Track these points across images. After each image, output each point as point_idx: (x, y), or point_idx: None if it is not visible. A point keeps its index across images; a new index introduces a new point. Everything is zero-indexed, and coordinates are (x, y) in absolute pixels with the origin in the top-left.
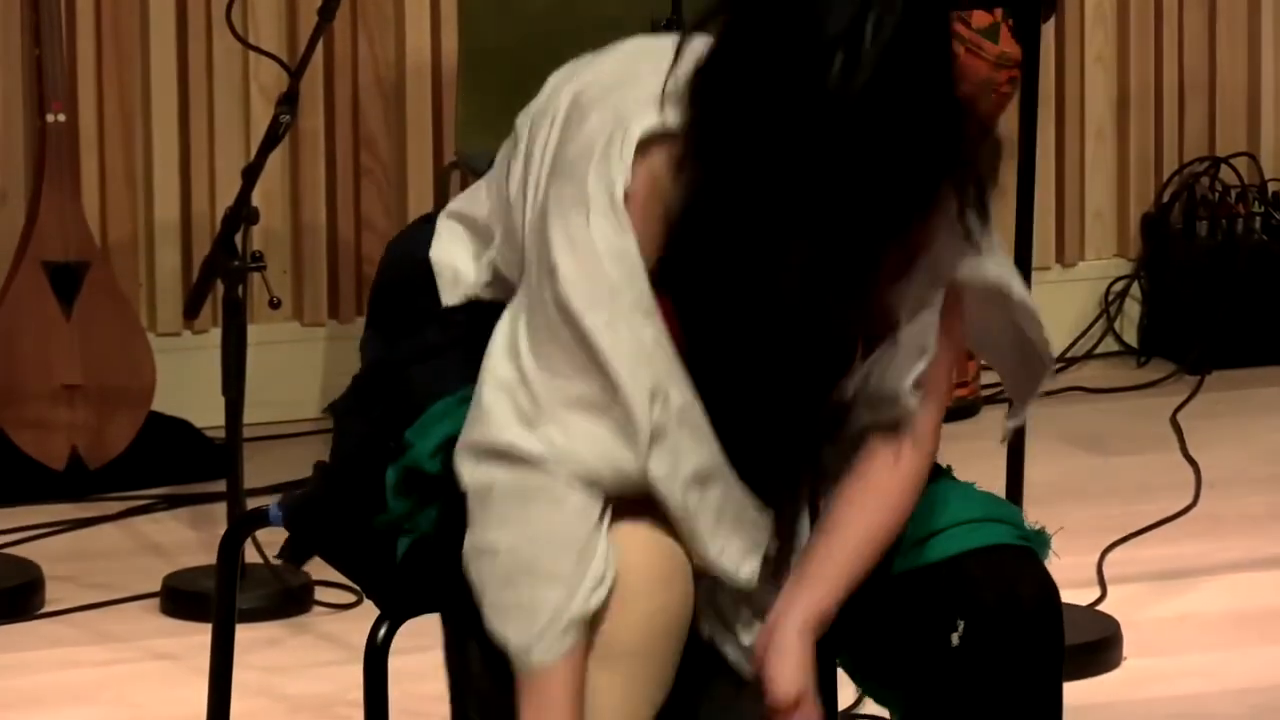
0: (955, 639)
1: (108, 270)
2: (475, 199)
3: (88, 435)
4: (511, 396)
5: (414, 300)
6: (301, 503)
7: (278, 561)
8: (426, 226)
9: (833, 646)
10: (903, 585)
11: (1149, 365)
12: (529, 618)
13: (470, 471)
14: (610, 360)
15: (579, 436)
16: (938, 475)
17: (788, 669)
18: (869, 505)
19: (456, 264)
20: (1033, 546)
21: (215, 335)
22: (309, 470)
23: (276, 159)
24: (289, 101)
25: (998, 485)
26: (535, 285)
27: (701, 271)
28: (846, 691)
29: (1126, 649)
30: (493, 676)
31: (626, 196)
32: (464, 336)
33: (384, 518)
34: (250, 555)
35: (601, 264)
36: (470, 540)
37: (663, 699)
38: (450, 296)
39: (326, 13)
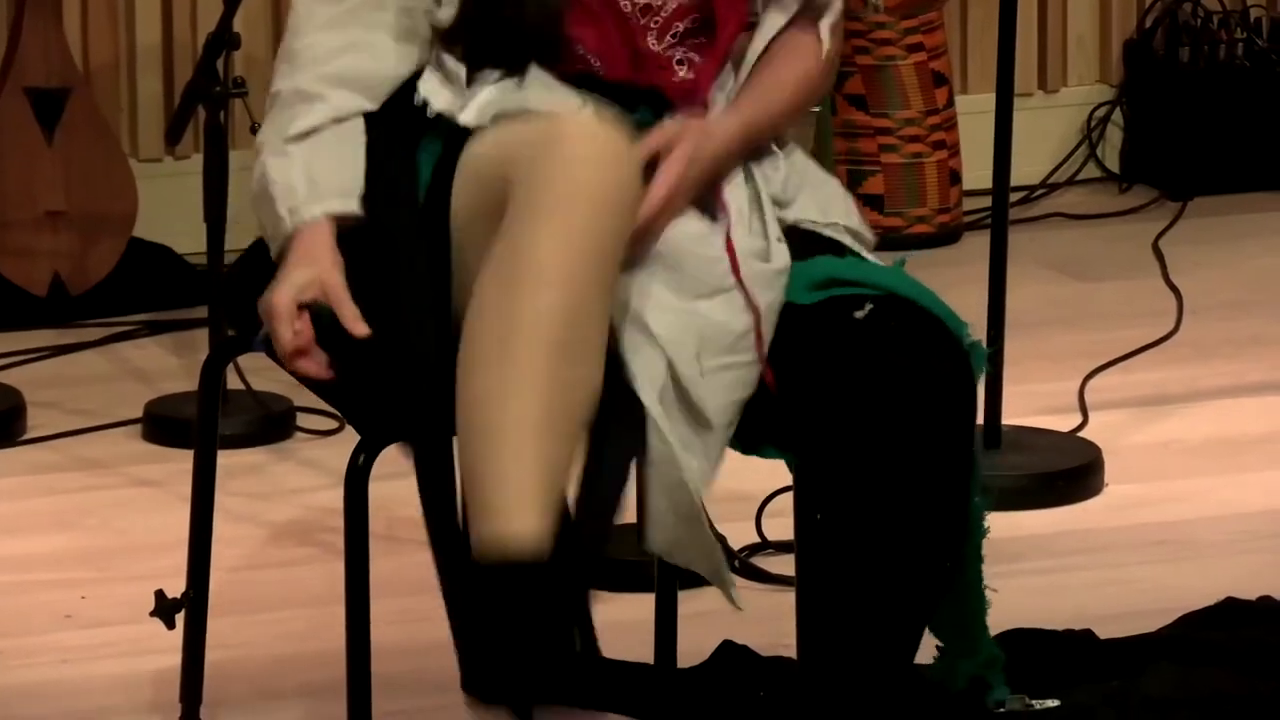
0: (859, 315)
1: (90, 96)
2: None
3: (70, 261)
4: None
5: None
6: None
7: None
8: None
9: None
10: (819, 343)
11: (1131, 191)
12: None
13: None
14: None
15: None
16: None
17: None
18: (788, 59)
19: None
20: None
21: (197, 161)
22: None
23: None
24: None
25: (979, 310)
26: None
27: None
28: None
29: (1108, 475)
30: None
31: None
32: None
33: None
34: (232, 381)
35: None
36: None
37: (608, 289)
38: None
39: None
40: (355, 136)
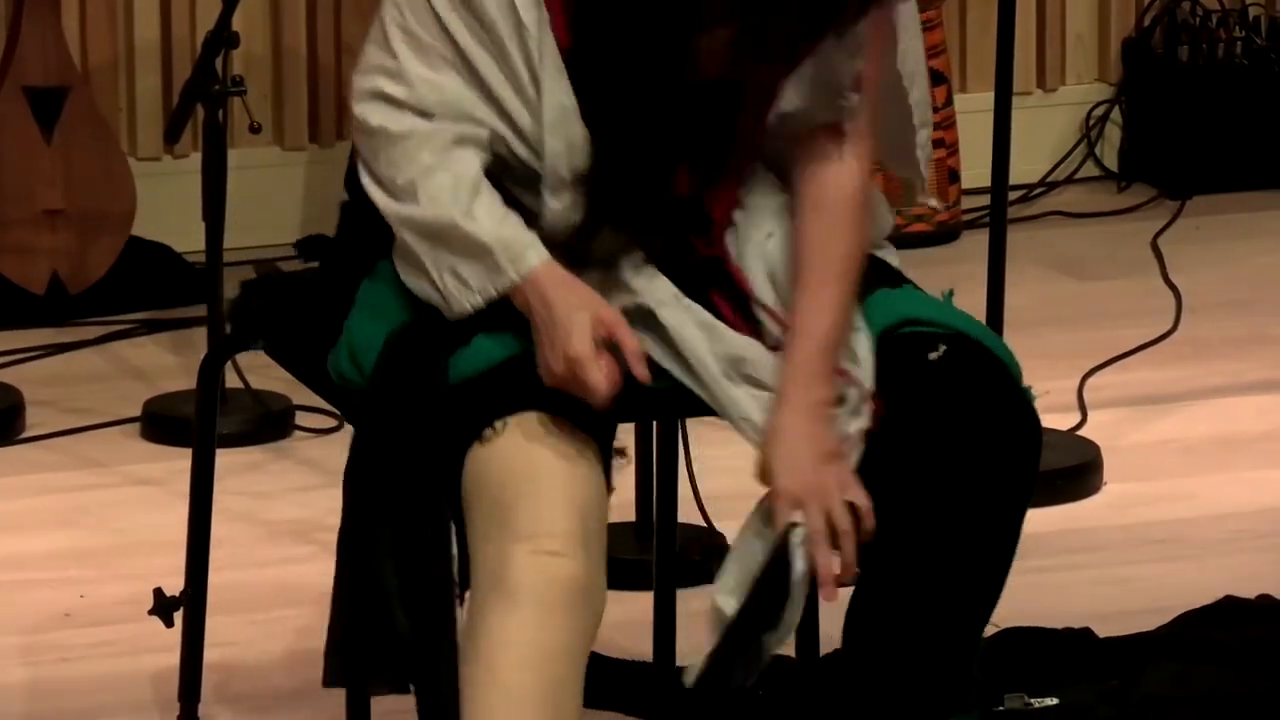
0: (934, 357)
1: (88, 95)
2: None
3: (68, 260)
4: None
5: None
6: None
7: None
8: None
9: None
10: (888, 386)
11: (1130, 190)
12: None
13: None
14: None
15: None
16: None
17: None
18: (828, 217)
19: None
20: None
21: (196, 160)
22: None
23: None
24: None
25: (978, 309)
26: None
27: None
28: None
29: (1107, 474)
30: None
31: None
32: None
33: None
34: (230, 380)
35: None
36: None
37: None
38: None
39: None
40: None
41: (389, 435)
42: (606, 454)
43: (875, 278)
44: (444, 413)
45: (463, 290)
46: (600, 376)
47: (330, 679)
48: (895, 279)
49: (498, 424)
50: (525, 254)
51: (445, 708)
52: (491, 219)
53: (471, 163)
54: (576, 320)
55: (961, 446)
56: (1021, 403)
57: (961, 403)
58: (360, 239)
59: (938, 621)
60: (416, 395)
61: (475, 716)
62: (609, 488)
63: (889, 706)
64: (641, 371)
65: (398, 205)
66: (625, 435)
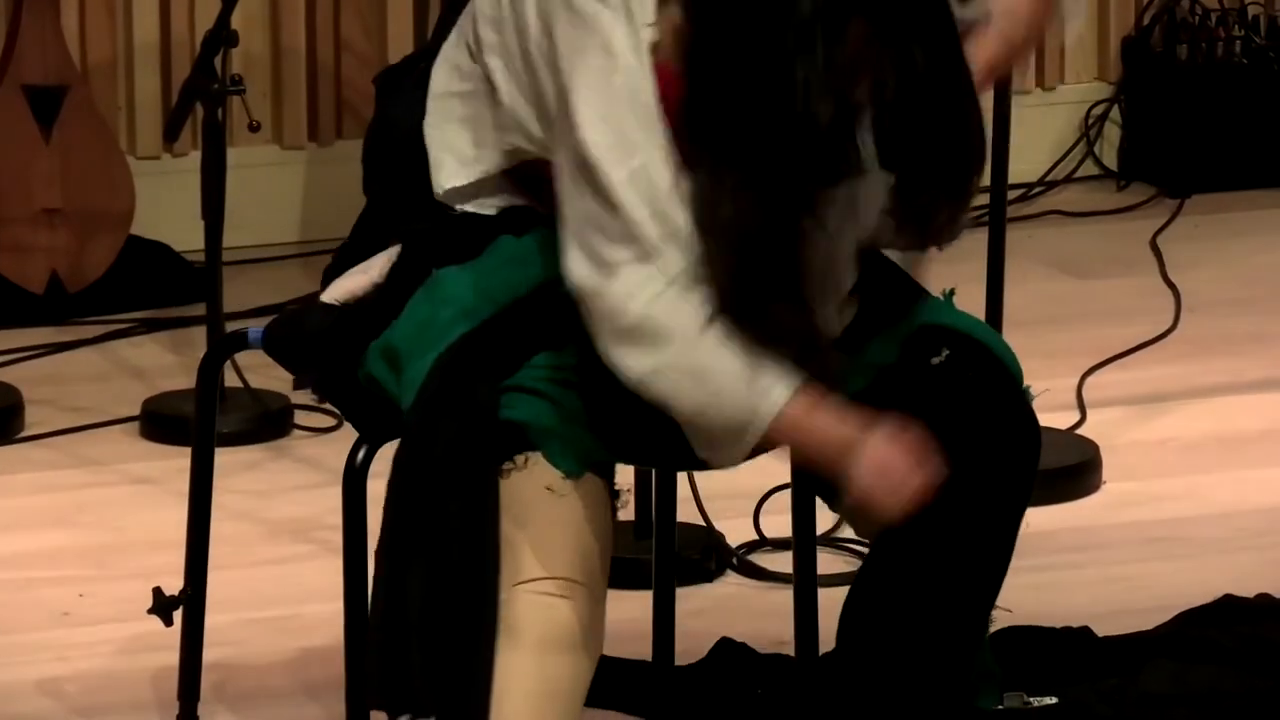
0: (936, 361)
1: (87, 94)
2: (455, 73)
3: (67, 259)
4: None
5: (407, 174)
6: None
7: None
8: (417, 93)
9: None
10: (889, 390)
11: (1129, 189)
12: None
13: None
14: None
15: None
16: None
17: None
18: None
19: (451, 150)
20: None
21: (195, 159)
22: (287, 294)
23: None
24: None
25: (977, 308)
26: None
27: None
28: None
29: (1106, 473)
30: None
31: (652, 45)
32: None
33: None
34: (230, 379)
35: (626, 113)
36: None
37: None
38: (447, 179)
39: None
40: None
41: (436, 455)
42: (611, 490)
43: (899, 286)
44: (488, 438)
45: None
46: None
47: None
48: (915, 287)
49: (517, 459)
50: (773, 389)
51: None
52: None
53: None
54: (871, 455)
55: (962, 448)
56: (1022, 405)
57: (963, 406)
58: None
59: (935, 620)
60: (466, 418)
61: None
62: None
63: (884, 707)
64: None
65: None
66: (624, 473)
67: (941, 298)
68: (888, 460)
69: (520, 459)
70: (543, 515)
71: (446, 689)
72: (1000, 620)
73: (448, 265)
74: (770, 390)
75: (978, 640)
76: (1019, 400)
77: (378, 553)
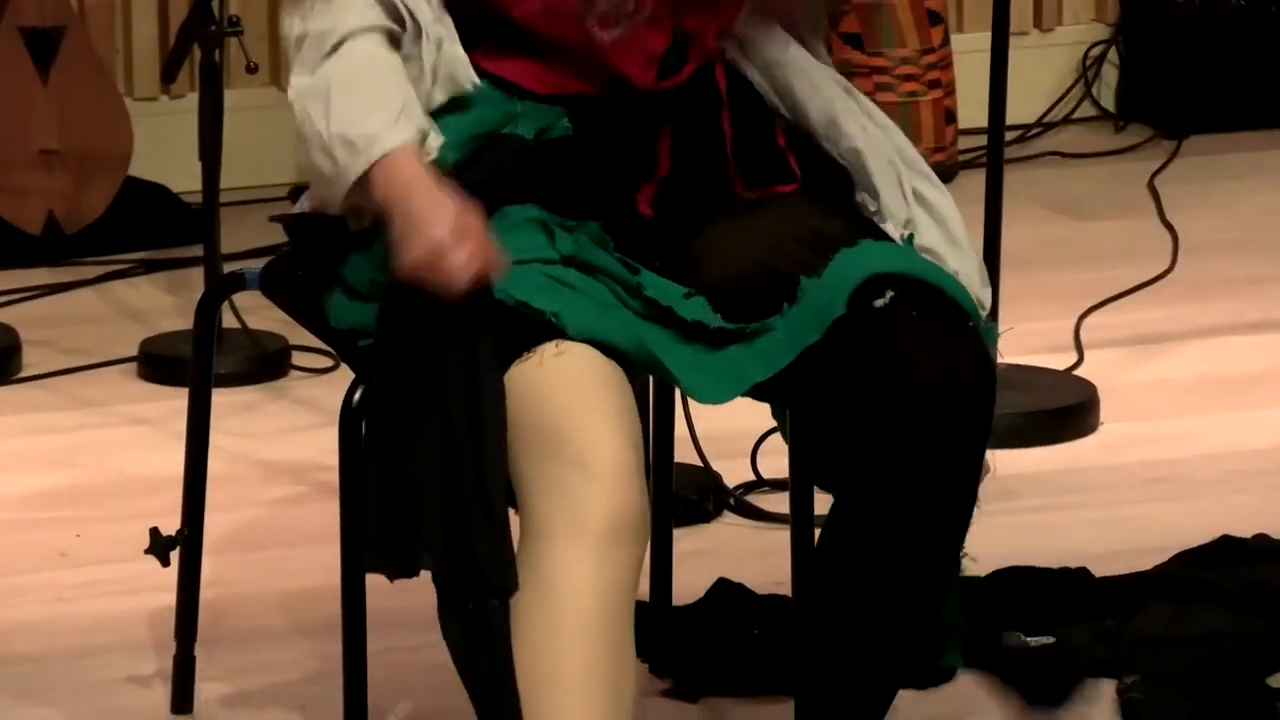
0: (879, 304)
1: (85, 35)
2: None
3: (65, 200)
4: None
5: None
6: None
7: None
8: None
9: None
10: (839, 340)
11: (1127, 130)
12: (377, 109)
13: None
14: None
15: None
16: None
17: None
18: None
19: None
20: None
21: (192, 100)
22: (285, 236)
23: None
24: None
25: (974, 250)
26: None
27: None
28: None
29: (1103, 414)
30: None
31: None
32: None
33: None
34: (227, 320)
35: None
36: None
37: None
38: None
39: None
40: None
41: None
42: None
43: (857, 228)
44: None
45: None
46: (463, 262)
47: (370, 564)
48: (876, 231)
49: (550, 346)
50: (384, 138)
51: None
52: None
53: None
54: (441, 208)
55: (908, 391)
56: (972, 342)
57: (907, 346)
58: None
59: (898, 569)
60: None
61: (531, 648)
62: None
63: (858, 645)
64: (496, 274)
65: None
66: None
67: (900, 242)
68: (468, 228)
69: (551, 346)
70: (588, 402)
71: (452, 544)
72: (968, 568)
73: None
74: (394, 133)
75: (943, 589)
76: (968, 337)
77: (370, 414)
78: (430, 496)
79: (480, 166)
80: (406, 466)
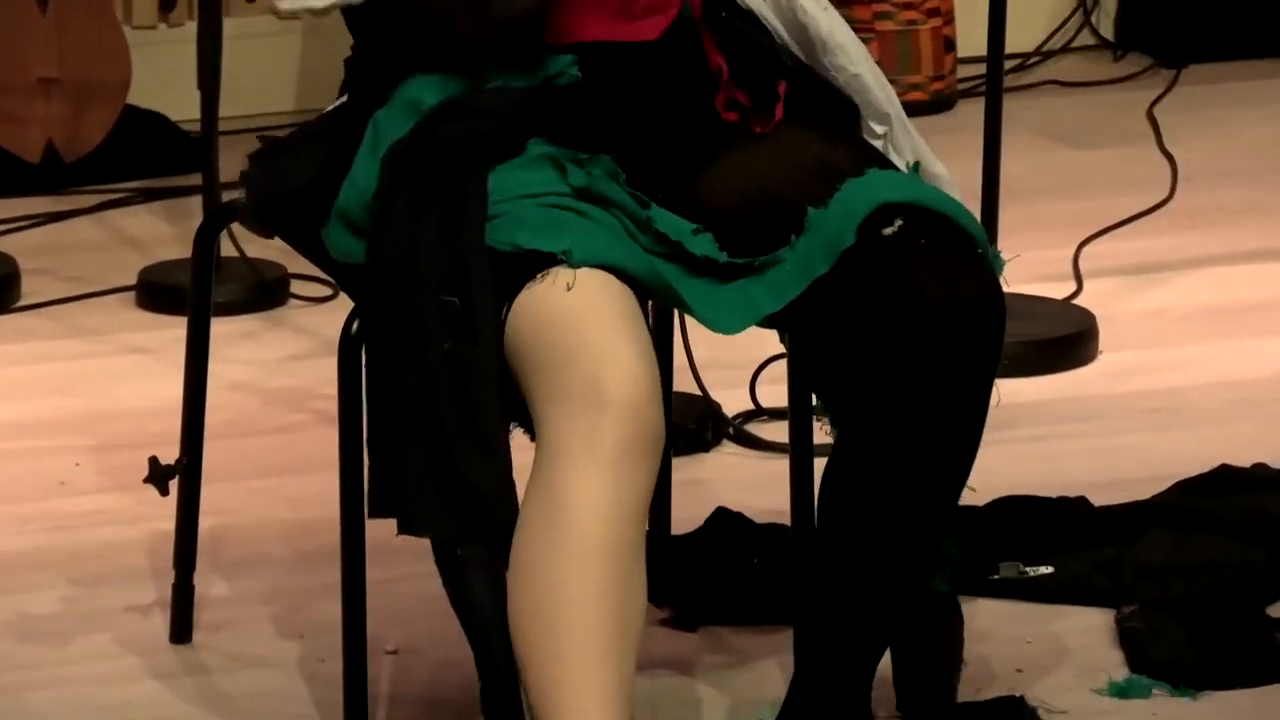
0: (888, 232)
1: None
2: None
3: (63, 128)
4: None
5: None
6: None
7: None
8: None
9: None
10: (848, 268)
11: (1126, 59)
12: None
13: None
14: None
15: None
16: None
17: None
18: None
19: None
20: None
21: (191, 28)
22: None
23: None
24: None
25: (974, 178)
26: None
27: None
28: None
29: (1103, 343)
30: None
31: None
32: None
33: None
34: (226, 248)
35: None
36: None
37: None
38: None
39: None
40: None
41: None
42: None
43: (863, 156)
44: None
45: None
46: None
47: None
48: (881, 160)
49: (562, 268)
50: None
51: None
52: None
53: None
54: None
55: (919, 319)
56: (982, 269)
57: (917, 273)
58: (366, 95)
59: (906, 495)
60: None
61: (538, 568)
62: None
63: (862, 574)
64: None
65: None
66: None
67: (906, 170)
68: None
69: (561, 269)
70: (604, 321)
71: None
72: (968, 498)
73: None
74: None
75: (949, 516)
76: (977, 263)
77: (368, 354)
78: (413, 450)
79: (462, 112)
80: (394, 417)
